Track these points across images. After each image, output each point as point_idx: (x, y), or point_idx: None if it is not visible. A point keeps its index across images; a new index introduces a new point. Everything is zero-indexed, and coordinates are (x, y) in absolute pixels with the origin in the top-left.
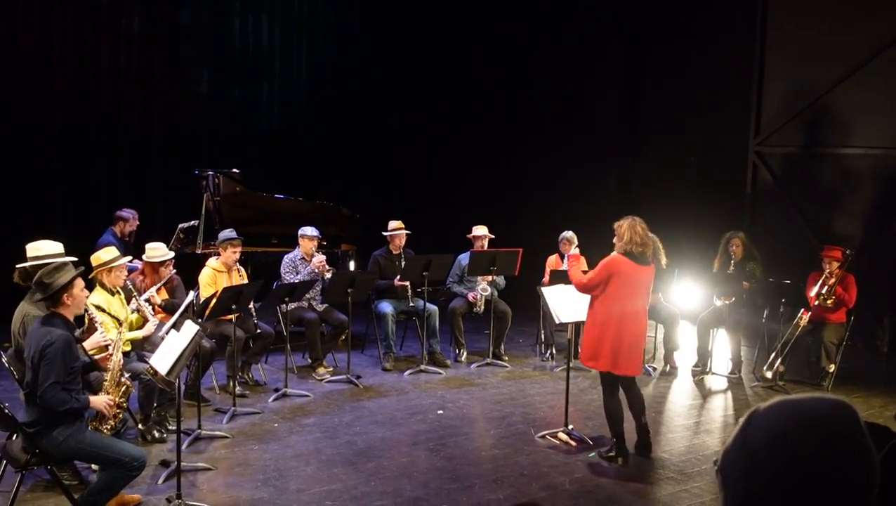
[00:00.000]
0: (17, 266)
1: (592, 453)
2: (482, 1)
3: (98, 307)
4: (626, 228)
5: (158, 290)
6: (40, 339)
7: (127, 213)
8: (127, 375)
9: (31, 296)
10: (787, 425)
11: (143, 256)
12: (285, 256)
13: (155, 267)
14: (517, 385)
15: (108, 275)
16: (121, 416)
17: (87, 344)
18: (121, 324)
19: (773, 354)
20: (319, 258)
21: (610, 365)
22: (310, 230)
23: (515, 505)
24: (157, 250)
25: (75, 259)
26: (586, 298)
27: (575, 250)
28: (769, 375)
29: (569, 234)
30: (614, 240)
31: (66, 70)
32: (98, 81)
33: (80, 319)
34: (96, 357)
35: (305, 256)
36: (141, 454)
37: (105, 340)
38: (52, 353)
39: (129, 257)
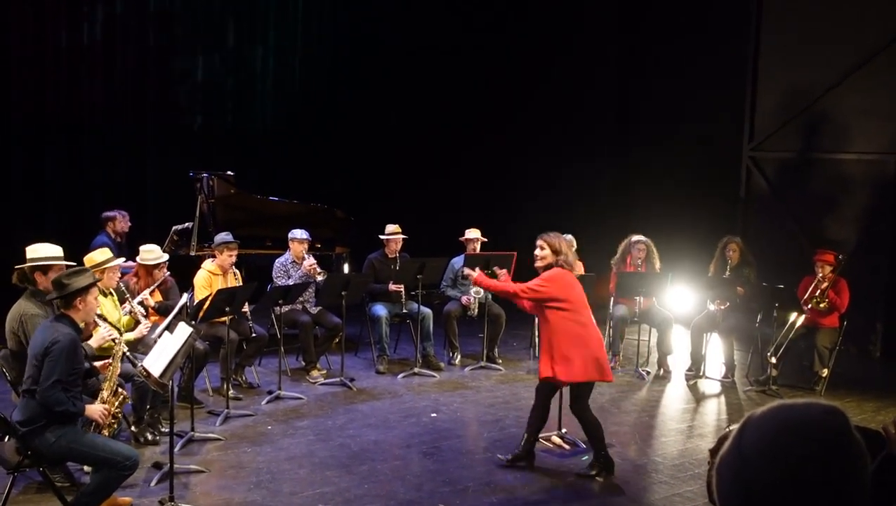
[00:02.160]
0: (16, 267)
1: (586, 456)
2: (481, 2)
3: None
4: (566, 244)
5: (152, 292)
6: (47, 336)
7: (115, 212)
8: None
9: (29, 294)
10: (779, 432)
11: (137, 259)
12: (276, 261)
13: (149, 269)
14: (511, 388)
15: (101, 276)
16: (115, 425)
17: (94, 340)
18: (119, 332)
19: (773, 348)
20: (310, 261)
21: (598, 373)
22: (300, 233)
23: None
24: (151, 253)
25: (73, 264)
26: None
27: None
28: (773, 360)
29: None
30: (542, 253)
31: (60, 70)
32: (92, 81)
33: None
34: (97, 364)
35: (296, 260)
36: (133, 454)
37: (111, 335)
38: (56, 351)
39: (123, 259)
